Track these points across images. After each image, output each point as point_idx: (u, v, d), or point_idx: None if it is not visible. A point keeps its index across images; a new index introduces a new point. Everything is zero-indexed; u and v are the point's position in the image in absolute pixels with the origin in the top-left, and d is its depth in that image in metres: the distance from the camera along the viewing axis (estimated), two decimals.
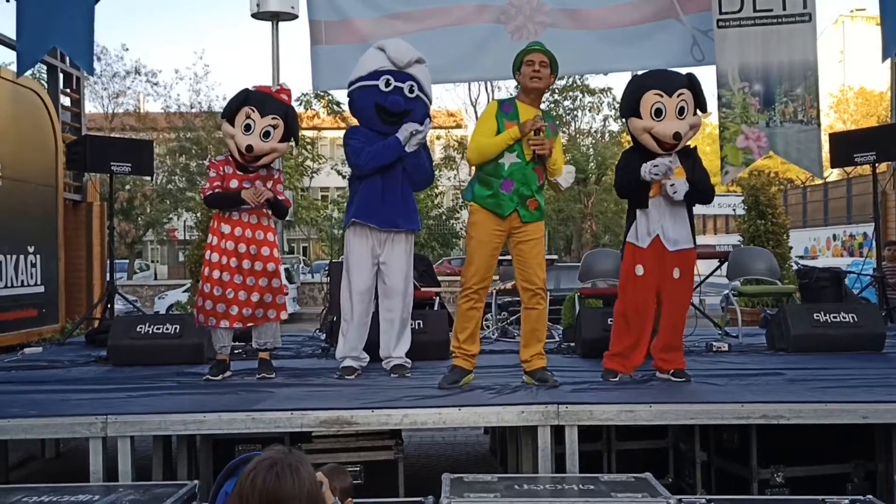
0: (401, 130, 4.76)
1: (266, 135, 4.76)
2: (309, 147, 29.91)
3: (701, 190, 4.51)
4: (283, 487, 1.76)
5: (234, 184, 4.77)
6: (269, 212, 4.86)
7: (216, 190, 4.79)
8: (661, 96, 4.43)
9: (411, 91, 4.80)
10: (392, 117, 4.78)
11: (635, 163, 4.46)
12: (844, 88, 37.61)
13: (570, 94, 28.52)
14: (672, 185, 4.40)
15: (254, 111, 4.75)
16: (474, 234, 4.48)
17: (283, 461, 1.83)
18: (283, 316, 4.94)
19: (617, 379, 4.53)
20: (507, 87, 27.04)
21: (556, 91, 27.89)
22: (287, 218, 5.78)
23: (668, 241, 4.47)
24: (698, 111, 4.53)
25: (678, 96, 4.44)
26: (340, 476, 2.92)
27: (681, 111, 4.44)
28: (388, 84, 4.77)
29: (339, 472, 2.96)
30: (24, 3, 6.61)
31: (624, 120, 4.77)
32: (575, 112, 29.29)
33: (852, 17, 44.82)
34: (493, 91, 28.54)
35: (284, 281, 5.06)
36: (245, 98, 4.80)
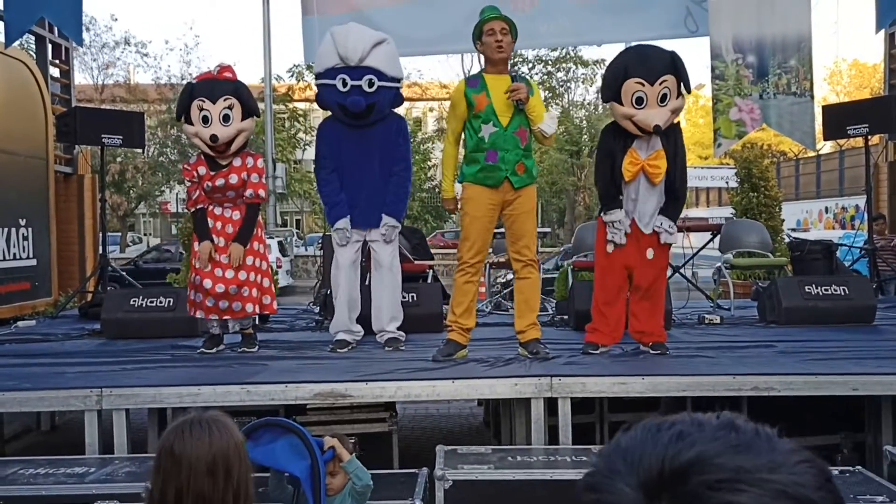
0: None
1: (225, 119, 4.64)
2: (301, 119, 29.72)
3: (673, 200, 4.48)
4: (184, 446, 1.73)
5: (207, 186, 4.72)
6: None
7: (198, 204, 4.78)
8: (643, 85, 4.28)
9: (370, 85, 4.67)
10: (356, 118, 4.72)
11: (613, 146, 4.43)
12: (838, 60, 37.55)
13: (564, 65, 28.36)
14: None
15: (204, 101, 4.65)
16: (468, 209, 4.49)
17: (196, 420, 1.79)
18: (256, 310, 4.84)
19: (598, 351, 4.56)
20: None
21: (550, 63, 27.74)
22: (280, 191, 5.76)
23: (642, 224, 4.47)
24: (682, 92, 4.40)
25: (661, 84, 4.29)
26: (344, 443, 2.98)
27: (663, 98, 4.30)
28: (344, 84, 4.66)
29: (342, 439, 3.02)
30: None
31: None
32: (568, 84, 29.15)
33: None
34: (486, 63, 28.33)
35: (263, 270, 4.97)
36: (191, 91, 4.73)
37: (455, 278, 4.57)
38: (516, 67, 27.70)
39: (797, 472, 0.62)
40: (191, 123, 4.69)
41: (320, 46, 4.92)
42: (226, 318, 4.80)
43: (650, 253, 4.49)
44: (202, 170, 4.75)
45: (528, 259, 4.49)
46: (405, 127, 4.96)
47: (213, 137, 4.60)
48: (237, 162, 4.75)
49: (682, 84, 4.37)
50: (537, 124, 4.39)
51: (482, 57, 4.55)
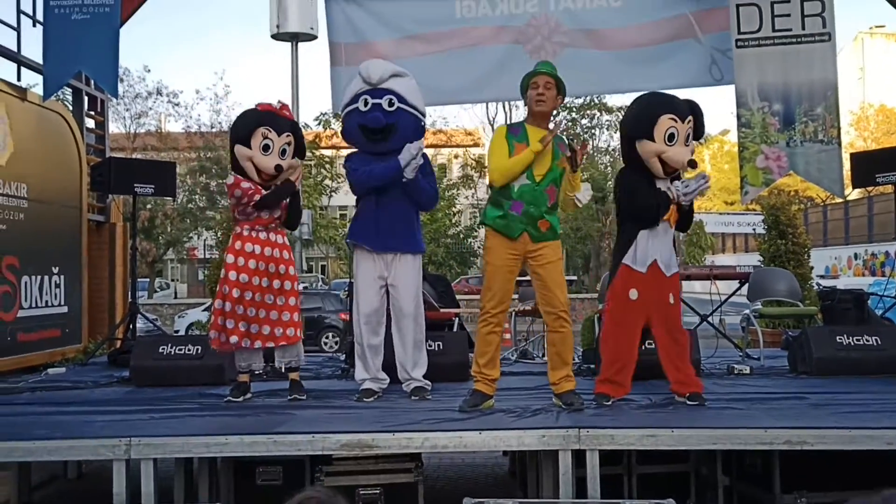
0: (403, 152, 4.71)
1: (283, 153, 4.81)
2: (328, 166, 30.09)
3: (688, 214, 4.61)
4: None
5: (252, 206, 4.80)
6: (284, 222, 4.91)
7: (260, 191, 4.75)
8: (676, 121, 4.43)
9: (390, 104, 4.78)
10: (375, 134, 4.78)
11: (646, 184, 4.50)
12: (864, 105, 37.38)
13: (588, 112, 28.56)
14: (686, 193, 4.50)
15: (270, 131, 4.76)
16: (490, 258, 4.50)
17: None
18: (294, 333, 4.85)
19: (610, 403, 4.51)
20: (524, 107, 27.11)
21: (574, 109, 27.93)
22: (306, 237, 5.84)
23: (664, 265, 4.52)
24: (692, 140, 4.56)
25: (688, 123, 4.46)
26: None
27: (687, 138, 4.47)
28: (365, 103, 4.80)
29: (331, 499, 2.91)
30: (51, 27, 6.73)
31: (626, 139, 4.66)
32: (593, 130, 29.32)
33: (871, 34, 44.64)
34: (510, 110, 28.65)
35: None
36: (258, 118, 4.80)
37: (478, 328, 4.55)
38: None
39: None
40: (248, 147, 4.75)
41: (349, 85, 5.03)
42: (269, 344, 4.83)
43: (671, 298, 4.55)
44: (248, 185, 4.74)
45: (560, 311, 4.42)
46: (426, 158, 4.89)
47: (278, 167, 4.76)
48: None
49: (697, 132, 4.53)
50: (574, 193, 4.44)
51: (527, 108, 4.62)
